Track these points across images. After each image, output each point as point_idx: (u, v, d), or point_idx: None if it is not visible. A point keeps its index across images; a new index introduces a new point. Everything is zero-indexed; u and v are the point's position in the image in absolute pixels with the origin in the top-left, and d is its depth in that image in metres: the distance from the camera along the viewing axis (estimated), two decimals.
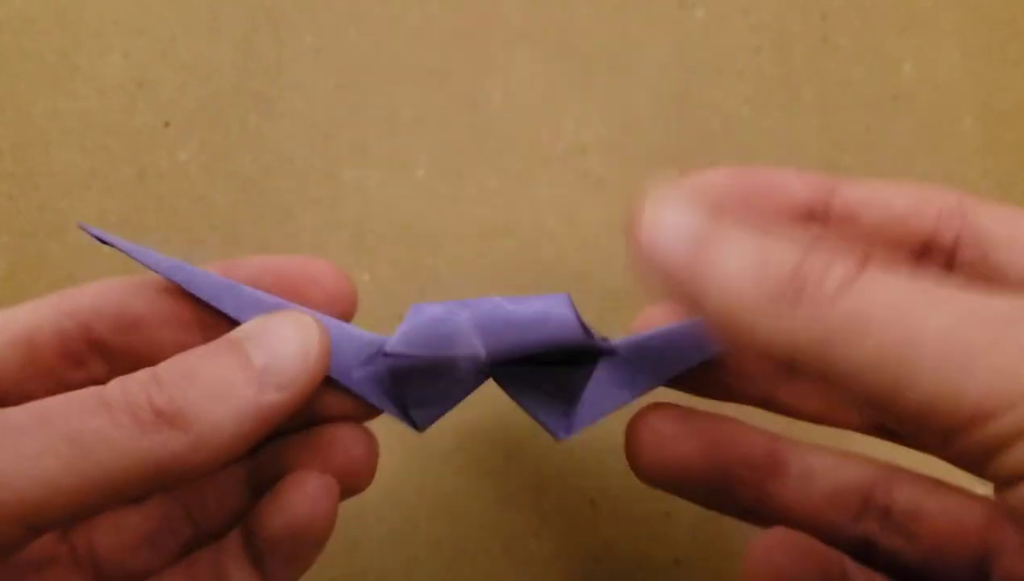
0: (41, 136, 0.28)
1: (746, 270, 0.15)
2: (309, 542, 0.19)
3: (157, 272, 0.19)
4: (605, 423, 0.27)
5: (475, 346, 0.19)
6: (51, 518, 0.15)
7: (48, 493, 0.15)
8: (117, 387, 0.16)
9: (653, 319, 0.21)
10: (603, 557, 0.27)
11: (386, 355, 0.19)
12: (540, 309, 0.18)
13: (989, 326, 0.13)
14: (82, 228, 0.19)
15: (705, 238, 0.16)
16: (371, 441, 0.20)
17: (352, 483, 0.20)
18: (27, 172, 0.28)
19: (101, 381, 0.18)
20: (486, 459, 0.27)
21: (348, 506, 0.26)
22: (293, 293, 0.20)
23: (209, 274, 0.19)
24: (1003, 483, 0.13)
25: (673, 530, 0.27)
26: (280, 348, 0.17)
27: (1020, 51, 0.30)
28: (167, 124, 0.29)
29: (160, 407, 0.16)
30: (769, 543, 0.19)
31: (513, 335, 0.18)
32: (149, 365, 0.18)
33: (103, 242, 0.19)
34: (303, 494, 0.19)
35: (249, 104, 0.29)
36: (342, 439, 0.20)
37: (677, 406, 0.20)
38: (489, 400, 0.27)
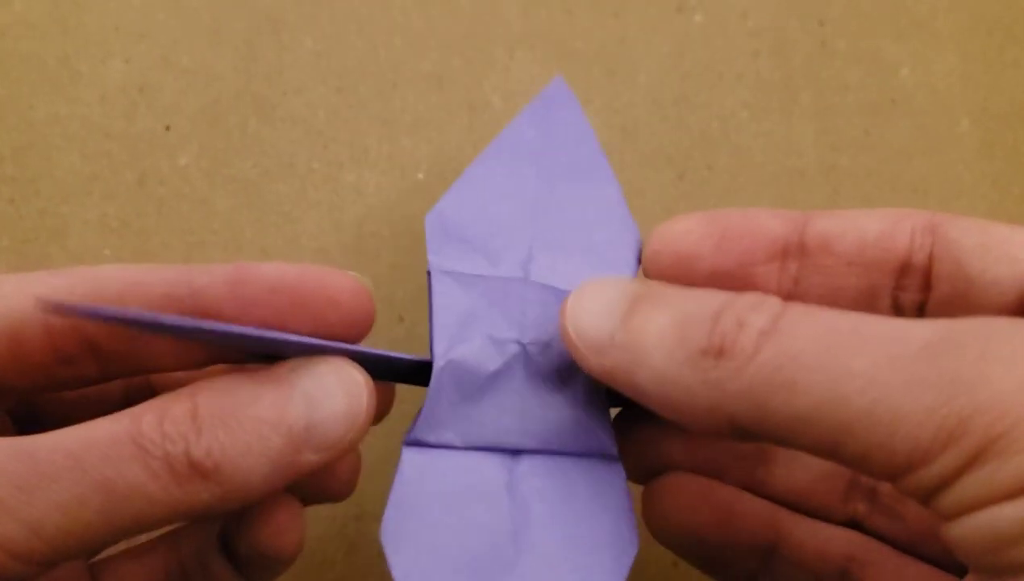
0: (42, 141, 0.28)
1: (668, 333, 0.15)
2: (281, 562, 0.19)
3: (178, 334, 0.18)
4: None
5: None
6: (72, 557, 0.15)
7: (77, 541, 0.15)
8: (155, 430, 0.15)
9: None
10: None
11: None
12: None
13: (906, 367, 0.13)
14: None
15: (627, 312, 0.16)
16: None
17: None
18: (28, 177, 0.28)
19: (92, 380, 0.18)
20: None
21: (346, 508, 0.26)
22: (308, 314, 0.18)
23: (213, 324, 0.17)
24: (944, 519, 0.13)
25: None
26: (327, 408, 0.16)
27: (1017, 55, 0.30)
28: (168, 128, 0.29)
29: (197, 460, 0.15)
30: (665, 487, 0.19)
31: None
32: (143, 369, 0.18)
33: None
34: (272, 524, 0.19)
35: (250, 108, 0.29)
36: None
37: (696, 477, 0.20)
38: None
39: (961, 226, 0.18)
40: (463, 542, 0.17)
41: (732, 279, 0.19)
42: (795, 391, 0.14)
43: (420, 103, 0.29)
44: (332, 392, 0.16)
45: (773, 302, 0.15)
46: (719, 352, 0.15)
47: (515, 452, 0.18)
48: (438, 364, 0.18)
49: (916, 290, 0.19)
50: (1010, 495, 0.12)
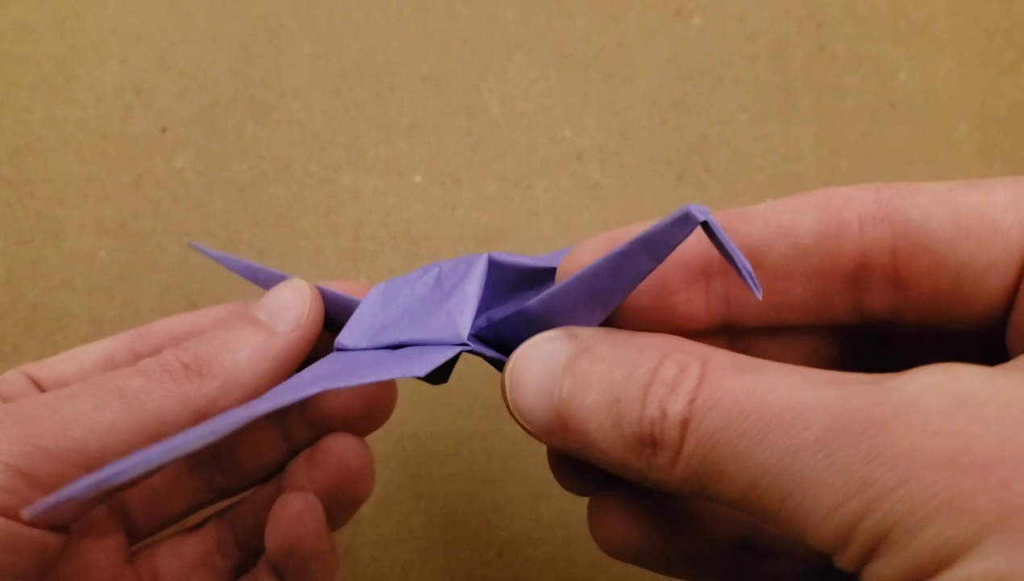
0: (39, 143, 0.28)
1: (604, 417, 0.15)
2: (305, 557, 0.20)
3: (239, 273, 0.23)
4: None
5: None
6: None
7: (104, 439, 0.17)
8: (148, 360, 0.19)
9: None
10: (599, 563, 0.27)
11: (338, 349, 0.20)
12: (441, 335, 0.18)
13: (805, 461, 0.13)
14: (192, 247, 0.24)
15: (561, 390, 0.16)
16: (365, 451, 0.22)
17: (351, 493, 0.21)
18: (24, 179, 0.28)
19: (295, 426, 0.22)
20: (482, 465, 0.27)
21: None
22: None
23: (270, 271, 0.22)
24: None
25: None
26: (278, 304, 0.20)
27: (1015, 59, 0.30)
28: (164, 131, 0.29)
29: (186, 362, 0.19)
30: (606, 501, 0.19)
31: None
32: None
33: (205, 254, 0.23)
34: (283, 516, 0.20)
35: (246, 111, 0.29)
36: (338, 453, 0.21)
37: (628, 501, 0.19)
38: (486, 405, 0.27)
39: (922, 207, 0.15)
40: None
41: (653, 314, 0.17)
42: (723, 480, 0.14)
43: (417, 106, 0.29)
44: (280, 293, 0.21)
45: (690, 372, 0.14)
46: (652, 442, 0.14)
47: (397, 346, 0.19)
48: (375, 289, 0.21)
49: (882, 290, 0.16)
50: None
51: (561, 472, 0.19)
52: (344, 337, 0.20)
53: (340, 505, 0.21)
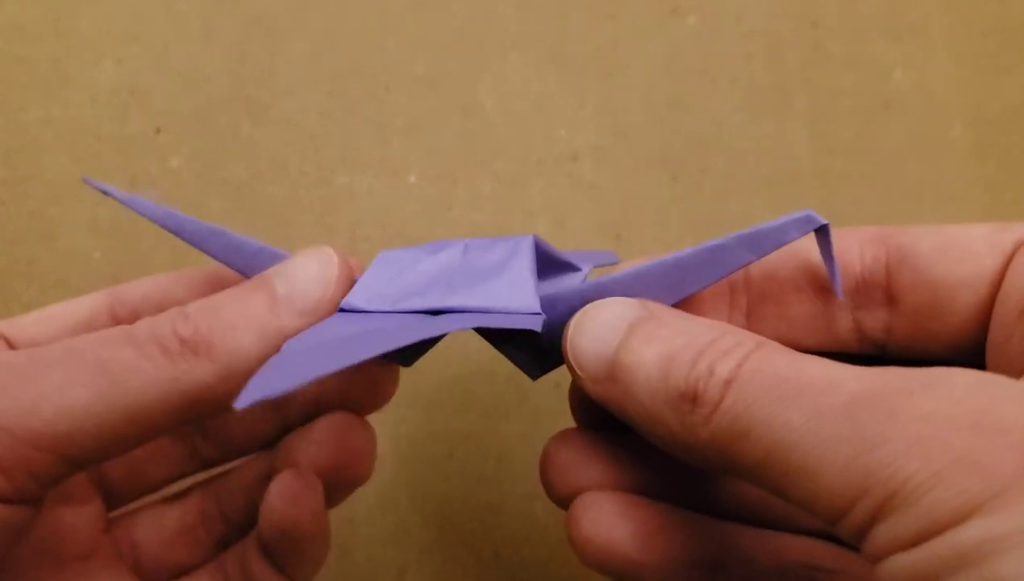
0: (33, 143, 0.28)
1: (654, 371, 0.16)
2: (301, 538, 0.20)
3: (153, 220, 0.20)
4: None
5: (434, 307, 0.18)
6: (84, 448, 0.16)
7: (77, 422, 0.15)
8: (144, 323, 0.17)
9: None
10: None
11: (342, 310, 0.19)
12: (501, 304, 0.18)
13: (831, 422, 0.13)
14: (86, 181, 0.20)
15: (620, 344, 0.17)
16: (368, 431, 0.21)
17: (352, 474, 0.21)
18: (19, 178, 0.28)
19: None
20: (478, 466, 0.27)
21: (340, 512, 0.26)
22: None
23: (197, 221, 0.20)
24: (871, 564, 0.13)
25: None
26: (301, 276, 0.18)
27: (1009, 59, 0.30)
28: (159, 131, 0.29)
29: (185, 337, 0.16)
30: (582, 506, 0.19)
31: (470, 320, 0.18)
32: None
33: (105, 193, 0.20)
34: (282, 494, 0.19)
35: (241, 111, 0.29)
36: (340, 432, 0.20)
37: (615, 494, 0.19)
38: (481, 406, 0.27)
39: (913, 233, 0.18)
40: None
41: None
42: (748, 440, 0.14)
43: (413, 106, 0.29)
44: (306, 264, 0.18)
45: (745, 346, 0.15)
46: (694, 397, 0.15)
47: (437, 312, 0.18)
48: (381, 256, 0.19)
49: (877, 307, 0.18)
50: (904, 546, 0.12)
51: (580, 410, 0.20)
52: (355, 298, 0.18)
53: (338, 486, 0.21)
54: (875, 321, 0.18)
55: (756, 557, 0.19)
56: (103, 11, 0.29)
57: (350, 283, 0.18)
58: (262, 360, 0.16)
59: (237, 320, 0.17)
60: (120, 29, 0.29)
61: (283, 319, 0.17)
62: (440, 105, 0.29)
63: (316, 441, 0.20)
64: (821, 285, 0.18)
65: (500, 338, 0.19)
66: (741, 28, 0.30)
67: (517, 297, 0.18)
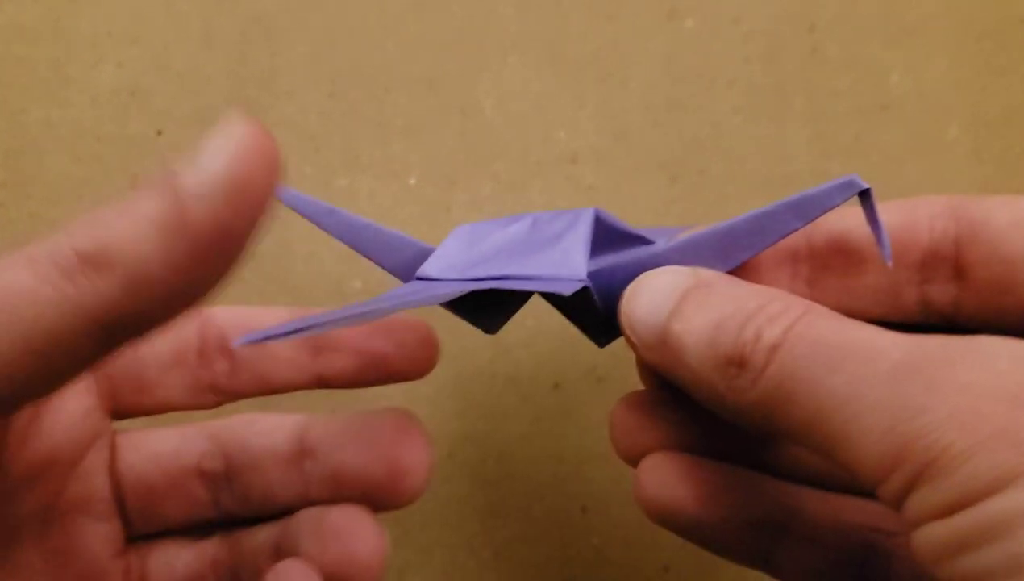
0: (34, 144, 0.28)
1: (703, 336, 0.16)
2: None
3: (314, 221, 0.21)
4: (596, 429, 0.27)
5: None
6: None
7: None
8: (36, 244, 0.14)
9: None
10: (594, 564, 0.27)
11: (418, 278, 0.20)
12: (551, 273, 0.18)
13: (873, 388, 0.14)
14: (280, 196, 0.17)
15: (673, 311, 0.17)
16: (378, 540, 0.19)
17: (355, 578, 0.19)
18: (19, 181, 0.28)
19: (220, 378, 0.21)
20: (477, 466, 0.27)
21: None
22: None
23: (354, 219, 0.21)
24: (909, 530, 0.14)
25: (663, 537, 0.27)
26: (202, 155, 0.14)
27: (1007, 61, 0.30)
28: (160, 133, 0.29)
29: (83, 249, 0.14)
30: (647, 466, 0.19)
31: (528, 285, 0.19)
32: (262, 372, 0.21)
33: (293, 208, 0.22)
34: None
35: (241, 113, 0.29)
36: (346, 537, 0.19)
37: (679, 455, 0.20)
38: (481, 407, 0.28)
39: (986, 206, 0.18)
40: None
41: None
42: (792, 404, 0.15)
43: (412, 108, 0.29)
44: (207, 139, 0.14)
45: (793, 311, 0.16)
46: (740, 362, 0.16)
47: (500, 278, 0.19)
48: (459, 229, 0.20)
49: (946, 281, 0.18)
50: (938, 515, 0.13)
51: (645, 374, 0.21)
52: (429, 268, 0.19)
53: None
54: (943, 294, 0.18)
55: (817, 519, 0.19)
56: (103, 12, 0.29)
57: (270, 153, 0.15)
58: (172, 261, 0.14)
59: (136, 219, 0.14)
60: (120, 30, 0.29)
61: (187, 206, 0.14)
62: (439, 107, 0.29)
63: (320, 538, 0.19)
64: (916, 263, 0.18)
65: (566, 307, 0.20)
66: (739, 30, 0.30)
67: (567, 265, 0.18)
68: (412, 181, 0.29)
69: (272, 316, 0.21)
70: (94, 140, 0.28)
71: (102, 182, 0.28)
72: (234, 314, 0.21)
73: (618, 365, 0.27)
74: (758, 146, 0.30)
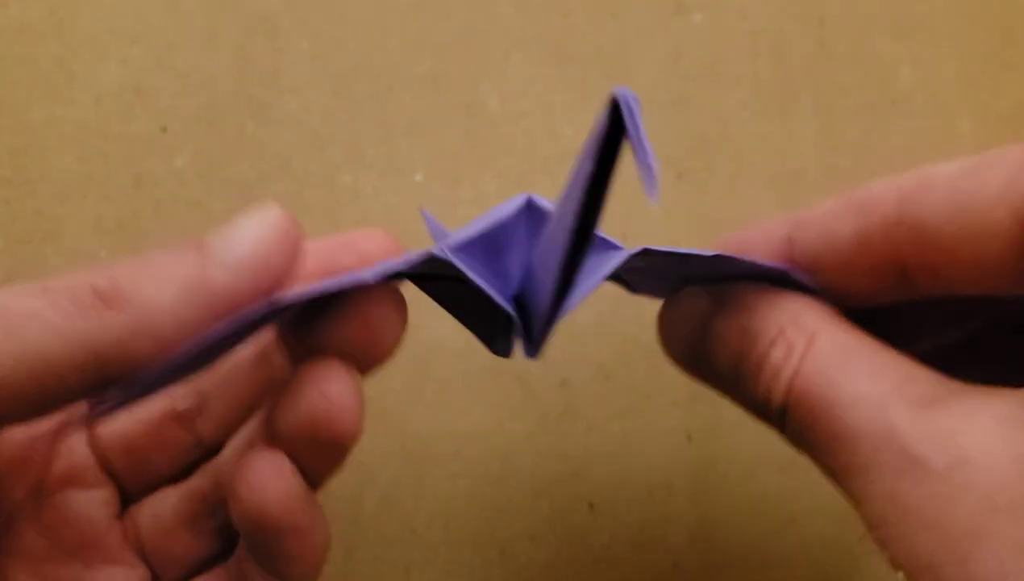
0: (38, 142, 0.28)
1: (731, 360, 0.17)
2: (274, 533, 0.17)
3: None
4: (603, 427, 0.27)
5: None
6: None
7: None
8: (56, 277, 0.15)
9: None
10: (601, 561, 0.27)
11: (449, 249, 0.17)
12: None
13: (893, 410, 0.14)
14: (424, 215, 0.20)
15: (698, 347, 0.18)
16: (348, 380, 0.17)
17: (332, 435, 0.17)
18: (24, 178, 0.28)
19: (274, 359, 0.20)
20: (483, 464, 0.27)
21: (344, 511, 0.26)
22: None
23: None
24: None
25: (671, 534, 0.27)
26: (235, 230, 0.16)
27: (1016, 56, 0.30)
28: (164, 130, 0.29)
29: (100, 286, 0.15)
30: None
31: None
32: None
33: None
34: (245, 483, 0.17)
35: (246, 111, 0.29)
36: (313, 383, 0.17)
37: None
38: (487, 404, 0.27)
39: (929, 203, 0.17)
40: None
41: None
42: (816, 424, 0.16)
43: (416, 105, 0.29)
44: (243, 218, 0.16)
45: (795, 355, 0.16)
46: (761, 361, 0.17)
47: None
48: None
49: (927, 277, 0.17)
50: None
51: None
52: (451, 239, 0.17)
53: (319, 452, 0.17)
54: (931, 286, 0.17)
55: None
56: (107, 11, 0.29)
57: (295, 242, 0.16)
58: (183, 317, 0.15)
59: (159, 272, 0.15)
60: (124, 28, 0.29)
61: (209, 272, 0.15)
62: (444, 104, 0.29)
63: (285, 401, 0.17)
64: (865, 268, 0.17)
65: (461, 302, 0.19)
66: (746, 26, 0.30)
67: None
68: (418, 178, 0.29)
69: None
70: (98, 138, 0.28)
71: (107, 179, 0.28)
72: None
73: (626, 363, 0.27)
74: (765, 142, 0.29)
